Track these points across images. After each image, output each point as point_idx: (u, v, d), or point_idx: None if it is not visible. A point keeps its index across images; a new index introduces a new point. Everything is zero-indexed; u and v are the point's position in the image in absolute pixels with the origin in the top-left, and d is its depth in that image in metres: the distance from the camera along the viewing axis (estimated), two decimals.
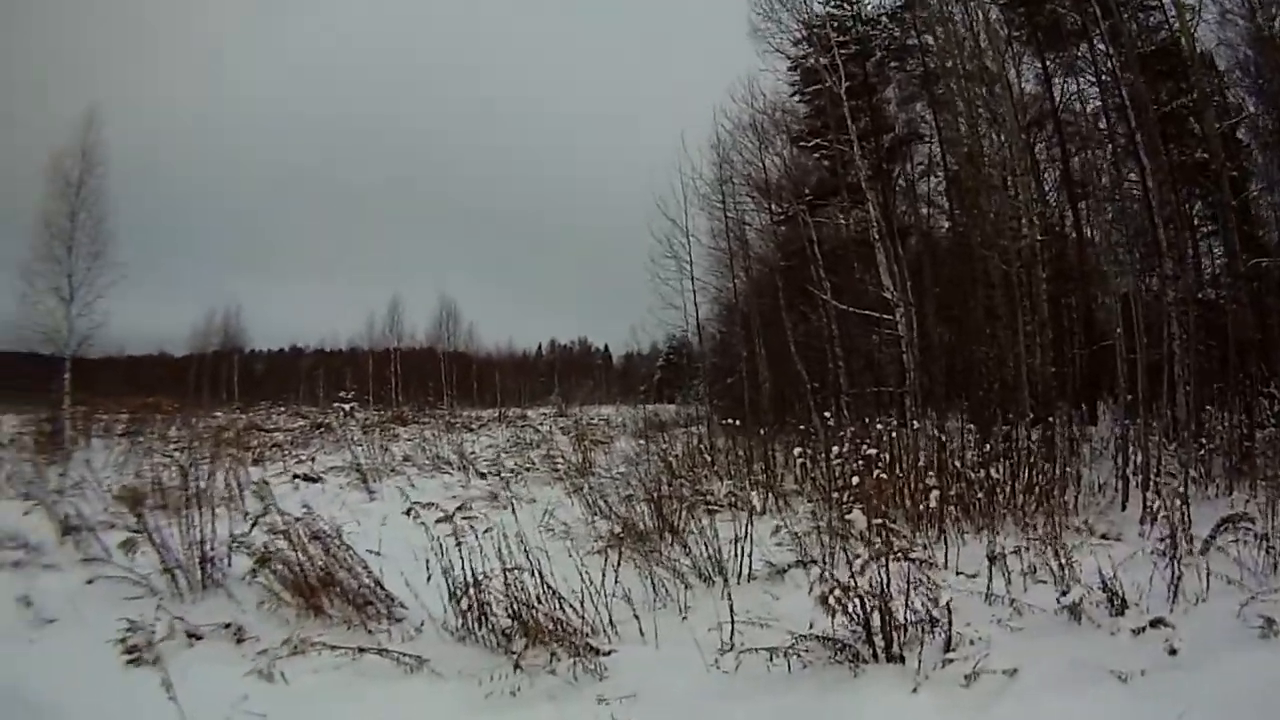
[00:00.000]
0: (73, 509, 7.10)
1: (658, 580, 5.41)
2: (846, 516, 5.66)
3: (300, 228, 66.74)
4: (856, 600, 3.99)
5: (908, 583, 4.12)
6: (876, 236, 13.49)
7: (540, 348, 61.46)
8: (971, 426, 10.11)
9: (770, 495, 8.58)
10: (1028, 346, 10.85)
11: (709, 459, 11.99)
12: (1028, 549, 5.42)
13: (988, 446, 8.59)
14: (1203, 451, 8.72)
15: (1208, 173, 11.60)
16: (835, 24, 14.80)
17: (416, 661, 4.22)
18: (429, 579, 4.78)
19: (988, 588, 4.92)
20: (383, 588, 5.03)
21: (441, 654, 4.37)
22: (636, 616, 4.72)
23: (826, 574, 4.15)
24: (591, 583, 4.77)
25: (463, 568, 4.69)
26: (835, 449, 8.52)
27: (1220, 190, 11.25)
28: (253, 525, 5.64)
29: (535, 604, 4.52)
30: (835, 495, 7.71)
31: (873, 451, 8.14)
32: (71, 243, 16.46)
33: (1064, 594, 4.62)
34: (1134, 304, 10.16)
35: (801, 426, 12.00)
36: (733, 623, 4.39)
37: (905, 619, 4.10)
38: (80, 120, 17.45)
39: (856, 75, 14.71)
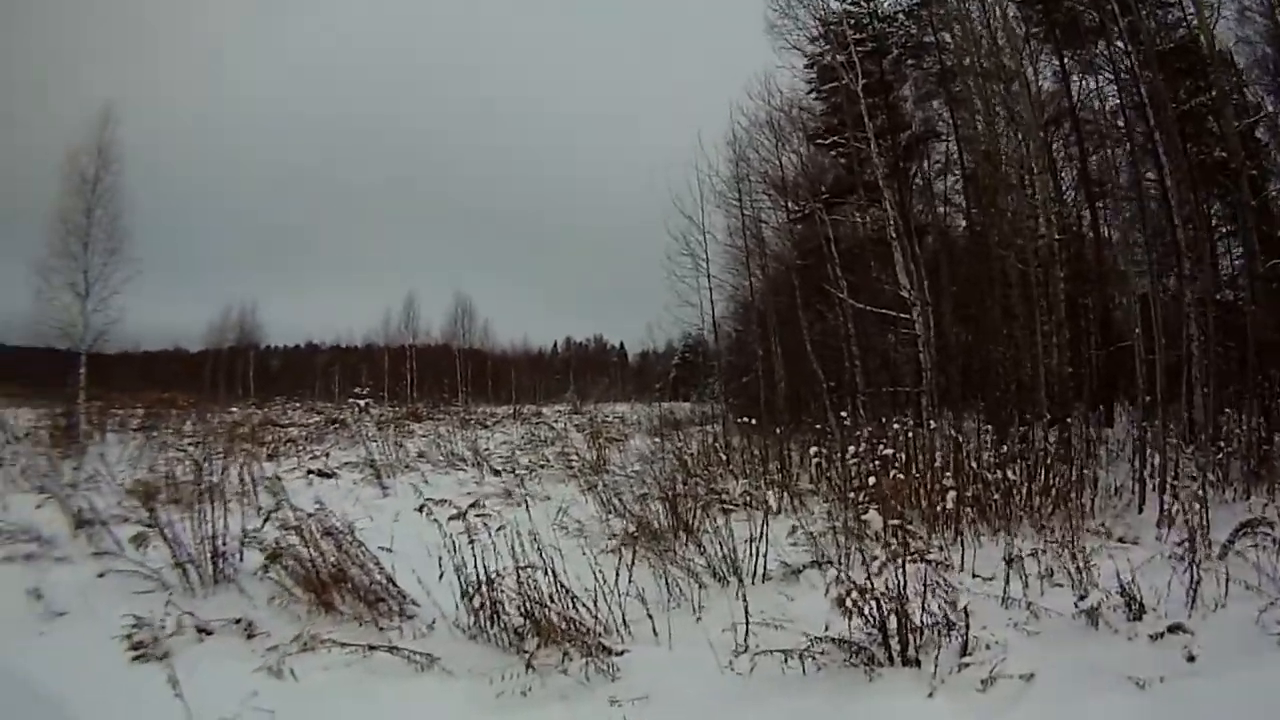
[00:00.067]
0: (86, 503, 7.13)
1: (672, 580, 5.36)
2: (862, 517, 5.60)
3: (301, 227, 67.33)
4: (873, 602, 3.95)
5: (924, 585, 4.07)
6: (893, 235, 13.45)
7: (556, 345, 61.77)
8: (988, 427, 10.00)
9: (786, 495, 8.50)
10: (1045, 347, 10.79)
11: (724, 458, 11.91)
12: (1044, 552, 5.39)
13: (1004, 447, 8.49)
14: (1220, 455, 8.60)
15: (1226, 172, 11.46)
16: (852, 21, 14.70)
17: (427, 659, 4.21)
18: (441, 576, 4.76)
19: (1004, 591, 4.87)
20: (394, 585, 5.02)
21: (453, 652, 4.35)
22: (650, 616, 4.67)
23: (842, 575, 4.11)
24: (605, 582, 4.74)
25: (475, 565, 4.66)
26: (851, 449, 8.45)
27: (1239, 189, 11.13)
28: (265, 520, 5.63)
29: (548, 603, 4.49)
30: (851, 495, 7.64)
31: (889, 451, 8.06)
32: (88, 239, 16.62)
33: (1081, 598, 4.57)
34: (1152, 304, 10.05)
35: (817, 426, 11.94)
36: (747, 624, 4.35)
37: (921, 622, 4.05)
38: (95, 118, 17.59)
39: (873, 73, 14.60)
